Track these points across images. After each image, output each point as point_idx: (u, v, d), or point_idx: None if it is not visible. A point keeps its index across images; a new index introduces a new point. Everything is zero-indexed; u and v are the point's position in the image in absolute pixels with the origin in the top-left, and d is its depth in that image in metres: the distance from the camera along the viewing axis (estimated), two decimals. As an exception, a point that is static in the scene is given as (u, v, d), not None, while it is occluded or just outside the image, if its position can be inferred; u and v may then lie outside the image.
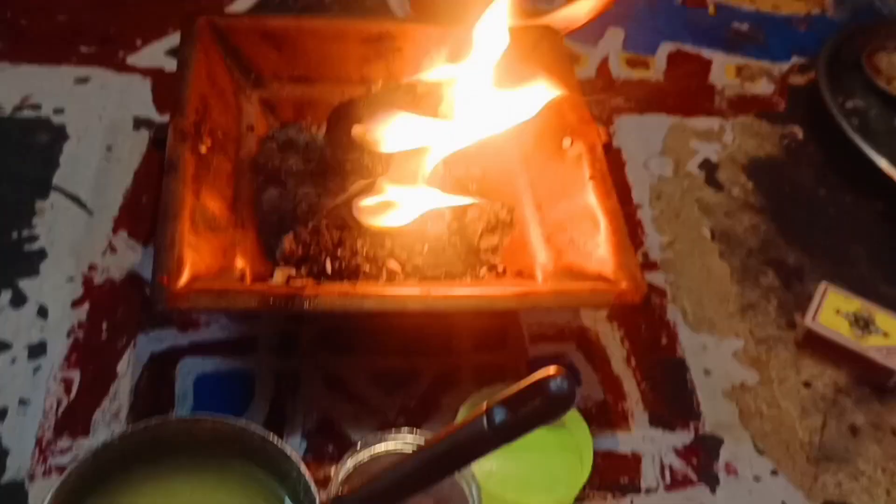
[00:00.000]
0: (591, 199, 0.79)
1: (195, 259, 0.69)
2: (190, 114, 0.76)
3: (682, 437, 0.77)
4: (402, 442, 0.63)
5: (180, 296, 0.66)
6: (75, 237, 0.84)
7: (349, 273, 0.76)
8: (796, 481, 0.75)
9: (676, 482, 0.74)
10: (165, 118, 0.90)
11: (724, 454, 0.77)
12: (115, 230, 0.85)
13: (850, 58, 1.09)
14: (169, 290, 0.66)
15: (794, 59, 1.14)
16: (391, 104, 0.75)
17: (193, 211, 0.71)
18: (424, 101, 0.76)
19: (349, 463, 0.63)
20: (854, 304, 0.85)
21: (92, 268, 0.82)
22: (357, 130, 0.75)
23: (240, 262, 0.74)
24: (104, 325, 0.78)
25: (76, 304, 0.79)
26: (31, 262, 0.82)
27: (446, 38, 0.84)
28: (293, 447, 0.64)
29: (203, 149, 0.77)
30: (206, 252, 0.71)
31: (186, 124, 0.76)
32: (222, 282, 0.70)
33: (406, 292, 0.71)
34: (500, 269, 0.80)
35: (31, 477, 0.69)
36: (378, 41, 0.88)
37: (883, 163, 0.97)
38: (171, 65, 0.92)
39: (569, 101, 0.84)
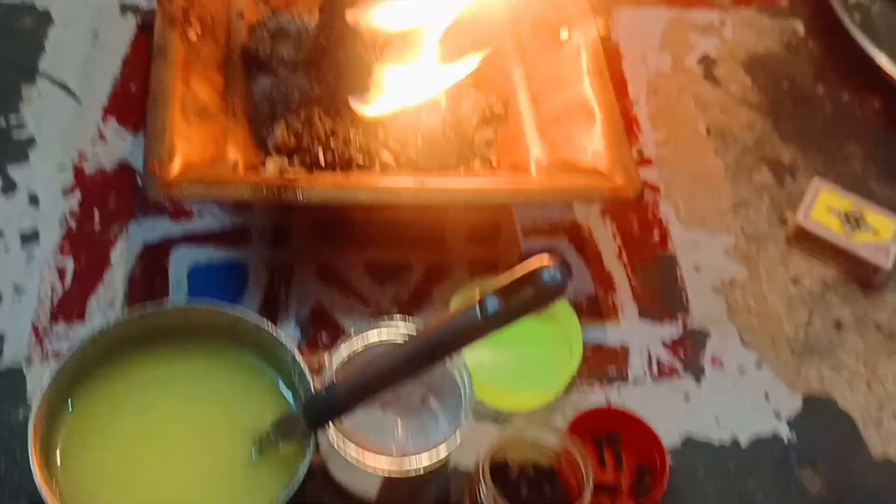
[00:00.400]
0: (588, 93, 0.78)
1: (187, 148, 0.68)
2: (178, -2, 0.74)
3: (671, 331, 0.79)
4: (396, 330, 0.64)
5: (172, 184, 0.66)
6: (64, 125, 0.83)
7: (342, 164, 0.76)
8: (780, 373, 0.77)
9: (663, 373, 0.76)
10: (152, 3, 0.88)
11: (711, 347, 0.78)
12: (104, 118, 0.84)
13: (855, -50, 1.06)
14: (161, 179, 0.66)
15: (799, -49, 1.11)
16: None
17: (184, 98, 0.70)
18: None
19: (343, 351, 0.64)
20: (846, 201, 0.85)
21: (82, 156, 0.81)
22: (351, 16, 0.73)
23: (232, 152, 0.73)
24: (96, 214, 0.78)
25: (67, 192, 0.79)
26: (21, 150, 0.81)
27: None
28: (287, 335, 0.64)
29: (192, 35, 0.75)
30: (198, 141, 0.70)
31: (174, 9, 0.74)
32: (214, 171, 0.70)
33: (400, 184, 0.71)
34: (494, 162, 0.80)
35: (29, 361, 0.70)
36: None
37: (883, 59, 0.95)
38: (156, -53, 0.89)
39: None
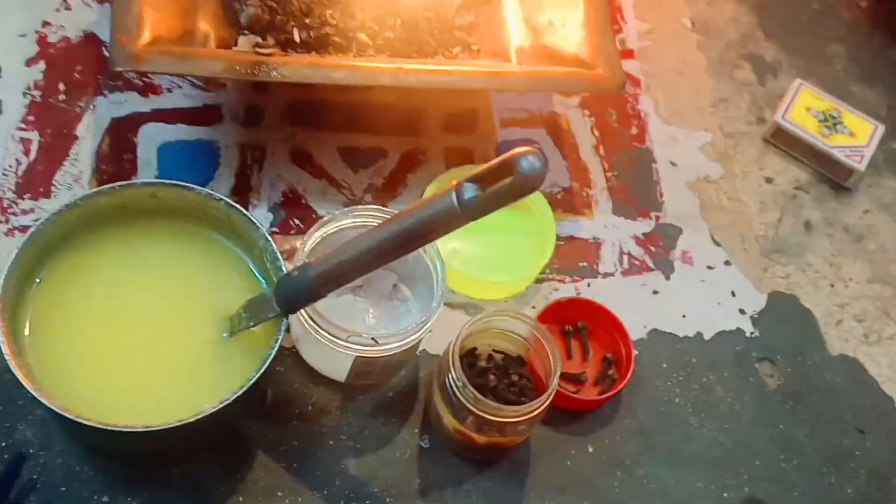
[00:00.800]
0: (573, -21, 0.76)
1: (155, 18, 0.66)
2: None
3: (643, 226, 0.79)
4: (370, 216, 0.64)
5: (141, 57, 0.64)
6: (25, -9, 0.79)
7: (318, 44, 0.73)
8: (747, 272, 0.78)
9: (634, 268, 0.76)
10: None
11: (682, 243, 0.79)
12: (68, -15, 0.80)
13: None
14: (129, 51, 0.63)
15: None
16: None
17: (152, -34, 0.67)
18: None
19: (316, 235, 0.63)
20: (825, 102, 0.85)
21: (46, 24, 0.78)
22: None
23: (203, 25, 0.70)
24: (61, 86, 0.75)
25: (31, 62, 0.76)
26: (-20, 15, 0.77)
27: None
28: (259, 219, 0.63)
29: None
30: (167, 12, 0.67)
31: None
32: (185, 45, 0.67)
33: (377, 65, 0.69)
34: (474, 48, 0.78)
35: (-6, 236, 0.69)
36: None
37: (874, -43, 0.94)
38: None
39: None
